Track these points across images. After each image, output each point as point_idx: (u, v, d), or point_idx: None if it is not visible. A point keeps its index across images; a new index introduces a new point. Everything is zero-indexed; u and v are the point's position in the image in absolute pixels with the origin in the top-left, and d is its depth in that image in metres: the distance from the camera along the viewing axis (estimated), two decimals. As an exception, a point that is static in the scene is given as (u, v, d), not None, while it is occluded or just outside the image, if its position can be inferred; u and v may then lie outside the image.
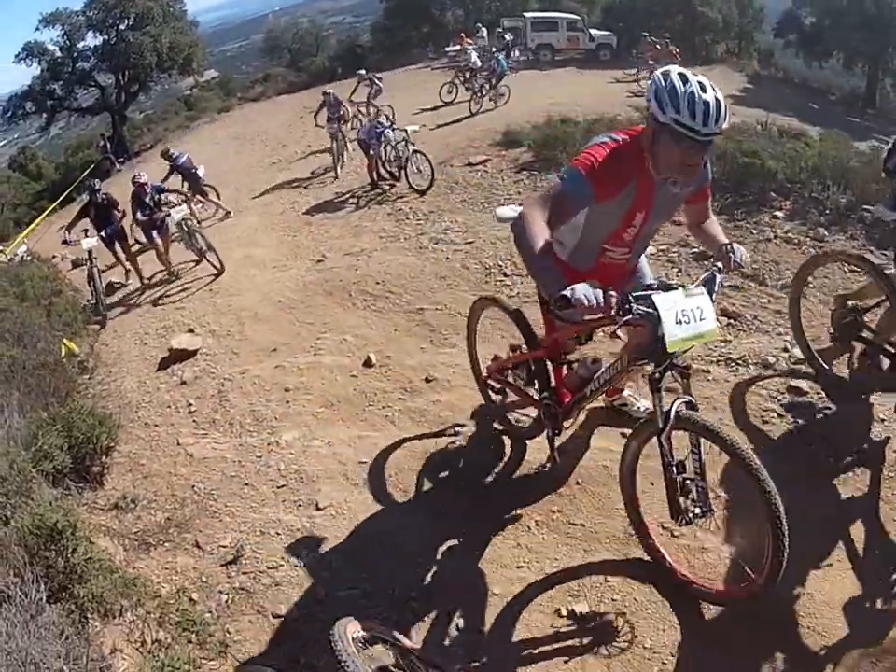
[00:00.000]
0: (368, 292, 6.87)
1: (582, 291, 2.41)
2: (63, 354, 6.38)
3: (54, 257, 12.28)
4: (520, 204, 3.14)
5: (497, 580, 3.26)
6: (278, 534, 3.79)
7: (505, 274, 6.66)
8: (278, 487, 4.20)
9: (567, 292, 2.41)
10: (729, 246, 2.90)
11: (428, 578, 3.33)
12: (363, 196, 11.07)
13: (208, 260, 8.95)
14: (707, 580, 3.01)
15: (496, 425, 4.25)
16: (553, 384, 3.53)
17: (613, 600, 3.07)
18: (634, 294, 2.62)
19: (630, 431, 3.87)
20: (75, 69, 29.47)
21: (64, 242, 9.39)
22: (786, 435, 3.90)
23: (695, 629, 2.90)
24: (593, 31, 26.65)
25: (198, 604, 3.38)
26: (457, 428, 4.36)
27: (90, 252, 8.92)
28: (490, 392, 4.24)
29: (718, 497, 2.79)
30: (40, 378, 5.30)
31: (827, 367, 4.28)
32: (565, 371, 3.54)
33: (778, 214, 6.81)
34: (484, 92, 16.39)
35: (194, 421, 5.21)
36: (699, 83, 2.51)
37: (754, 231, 6.55)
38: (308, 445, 4.56)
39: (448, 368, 5.12)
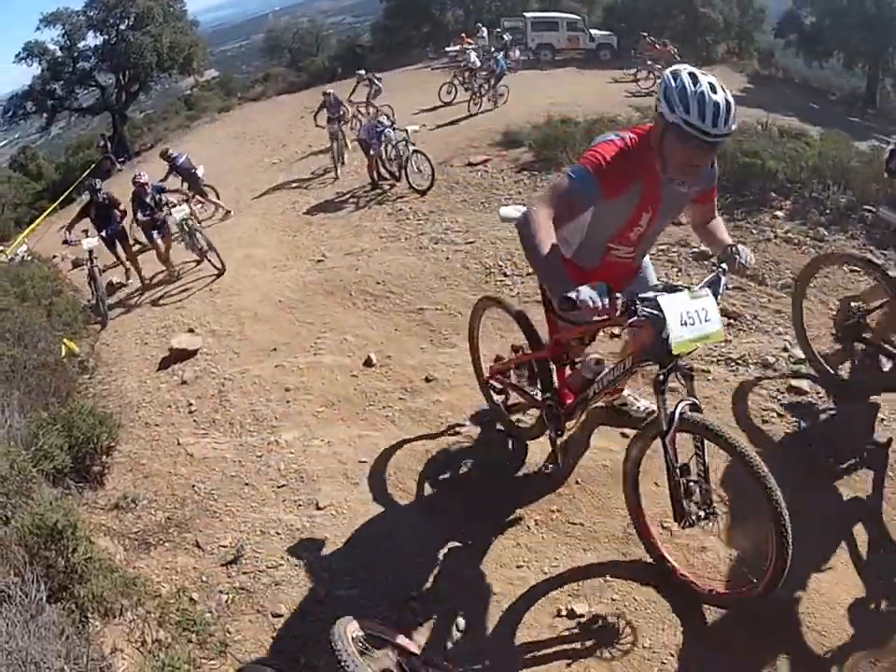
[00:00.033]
0: (368, 292, 6.87)
1: (588, 293, 2.40)
2: (63, 353, 6.38)
3: (54, 257, 12.29)
4: (522, 204, 3.14)
5: (496, 579, 3.26)
6: (278, 534, 3.79)
7: (505, 274, 6.66)
8: (278, 487, 4.20)
9: (573, 294, 2.40)
10: (734, 248, 2.89)
11: (428, 577, 3.33)
12: (363, 196, 11.07)
13: (209, 260, 8.94)
14: (709, 581, 3.00)
15: (498, 425, 4.24)
16: (555, 385, 3.51)
17: (613, 600, 3.07)
18: (639, 296, 2.61)
19: (630, 431, 3.92)
20: (75, 69, 29.45)
21: (65, 242, 9.39)
22: (786, 435, 3.90)
23: (696, 629, 2.90)
24: (593, 31, 26.59)
25: (198, 604, 3.38)
26: (457, 428, 4.36)
27: (90, 252, 8.92)
28: (492, 392, 4.22)
29: (721, 499, 2.77)
30: (41, 378, 5.31)
31: (829, 368, 4.26)
32: (568, 371, 3.51)
33: (779, 214, 6.81)
34: (483, 92, 16.35)
35: (194, 421, 5.21)
36: (710, 84, 2.50)
37: (754, 231, 6.55)
38: (308, 445, 4.56)
39: (448, 368, 5.13)
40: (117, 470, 4.66)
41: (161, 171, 11.95)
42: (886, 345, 3.94)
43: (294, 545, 3.69)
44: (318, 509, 3.93)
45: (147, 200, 9.32)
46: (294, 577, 3.48)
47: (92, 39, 29.41)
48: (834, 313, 4.44)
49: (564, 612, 3.04)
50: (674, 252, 6.37)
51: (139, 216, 9.33)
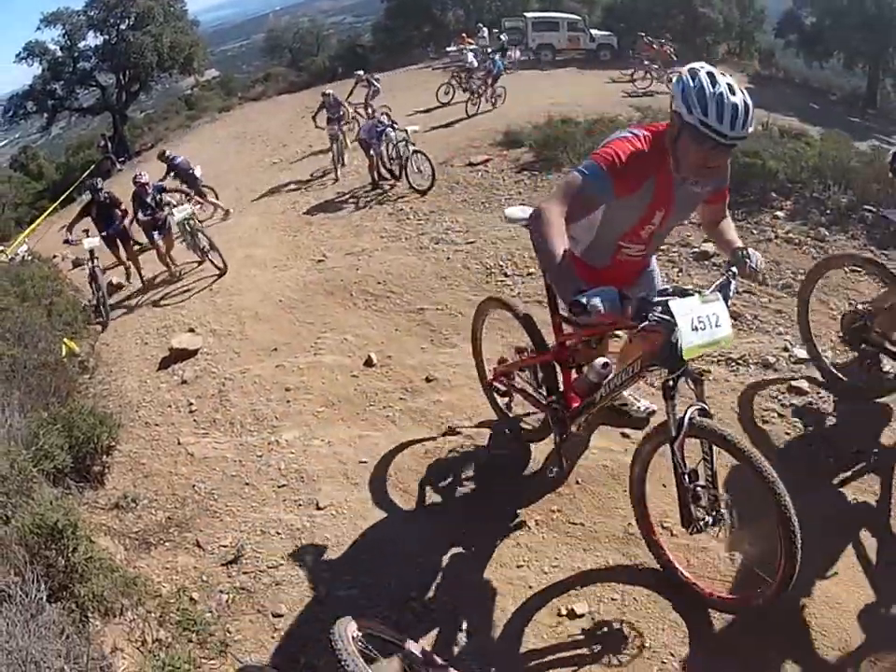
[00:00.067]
0: (369, 292, 6.88)
1: (599, 298, 2.36)
2: (63, 353, 6.38)
3: (55, 256, 12.28)
4: (523, 203, 3.12)
5: (497, 579, 3.26)
6: (279, 533, 3.80)
7: (506, 274, 6.66)
8: (279, 487, 4.20)
9: (584, 299, 2.36)
10: (745, 251, 2.86)
11: (429, 577, 3.33)
12: (364, 196, 11.07)
13: (210, 261, 8.92)
14: (717, 587, 2.97)
15: (500, 426, 4.22)
16: (560, 388, 3.46)
17: (613, 599, 3.07)
18: (650, 300, 2.59)
19: (631, 431, 3.91)
20: (76, 69, 29.46)
21: (66, 241, 9.39)
22: (786, 435, 3.90)
23: (697, 629, 2.89)
24: (593, 31, 26.60)
25: (198, 603, 3.38)
26: (458, 428, 4.36)
27: (91, 252, 8.90)
28: (495, 395, 4.18)
29: (727, 504, 2.74)
30: (41, 378, 5.30)
31: (835, 370, 4.24)
32: (573, 375, 3.46)
33: (779, 214, 6.81)
34: (481, 93, 16.26)
35: (195, 420, 5.22)
36: (728, 85, 2.47)
37: (755, 232, 6.55)
38: (308, 445, 4.56)
39: (449, 368, 5.13)
40: (117, 470, 4.66)
41: (160, 172, 11.95)
42: (889, 346, 3.92)
43: (294, 545, 3.69)
44: (319, 509, 3.93)
45: (148, 200, 9.31)
46: (294, 577, 3.48)
47: (93, 39, 29.48)
48: (840, 314, 4.40)
49: (564, 612, 3.04)
50: (674, 252, 6.37)
51: (140, 215, 9.32)
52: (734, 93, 2.46)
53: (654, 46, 21.56)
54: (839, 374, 4.21)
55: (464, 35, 23.92)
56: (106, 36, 29.31)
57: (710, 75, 2.50)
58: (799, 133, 9.87)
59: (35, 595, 2.65)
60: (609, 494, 3.63)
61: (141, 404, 5.65)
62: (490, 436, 4.23)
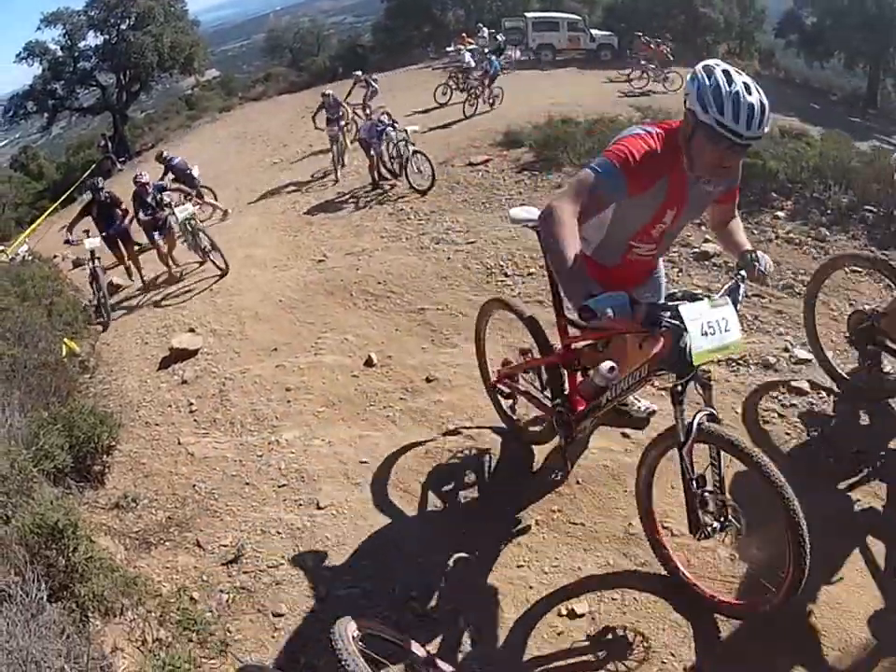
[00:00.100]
0: (369, 292, 6.88)
1: (609, 303, 2.32)
2: (64, 353, 6.38)
3: (55, 256, 12.30)
4: (523, 203, 3.10)
5: (497, 579, 3.26)
6: (279, 533, 3.80)
7: (506, 274, 6.66)
8: (279, 486, 4.20)
9: (594, 304, 2.32)
10: (754, 254, 2.83)
11: (429, 577, 3.33)
12: (364, 196, 11.07)
13: (212, 261, 8.91)
14: (725, 593, 2.95)
15: (504, 425, 4.20)
16: (566, 391, 3.42)
17: (613, 599, 3.07)
18: (659, 304, 2.56)
19: (631, 431, 3.91)
20: (76, 69, 29.50)
21: (67, 242, 9.39)
22: (786, 435, 3.90)
23: (699, 631, 2.89)
24: (594, 31, 26.61)
25: (199, 603, 3.38)
26: (459, 428, 4.35)
27: (92, 252, 8.88)
28: (499, 397, 4.14)
29: (735, 510, 2.71)
30: (41, 377, 5.31)
31: (841, 371, 4.22)
32: (579, 377, 3.41)
33: (780, 214, 6.81)
34: (479, 94, 16.16)
35: (195, 420, 5.22)
36: (744, 84, 2.43)
37: (755, 232, 6.54)
38: (309, 445, 4.56)
39: (449, 368, 5.13)
40: (117, 470, 4.66)
41: (158, 173, 11.96)
42: (892, 345, 3.90)
43: (295, 545, 3.69)
44: (319, 508, 3.93)
45: (149, 200, 9.31)
46: (295, 576, 3.48)
47: (93, 39, 29.55)
48: (847, 315, 4.37)
49: (564, 612, 3.04)
50: (674, 252, 6.37)
51: (141, 215, 9.31)
52: (750, 93, 2.42)
53: (651, 46, 21.56)
54: (844, 375, 4.20)
55: (464, 34, 23.93)
56: (107, 36, 29.36)
57: (726, 73, 2.46)
58: (799, 133, 9.86)
59: (36, 595, 2.66)
60: (609, 494, 3.62)
61: (141, 404, 5.65)
62: (492, 436, 4.22)
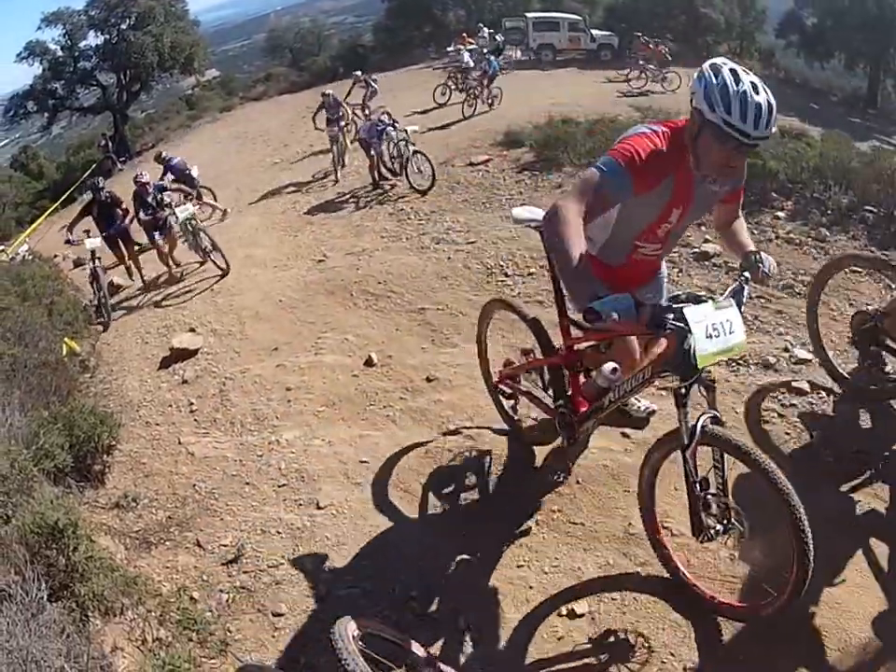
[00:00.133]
0: (369, 292, 6.88)
1: (615, 306, 2.31)
2: (64, 353, 6.39)
3: (56, 256, 12.30)
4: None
5: (497, 579, 3.26)
6: (279, 533, 3.80)
7: (506, 274, 6.66)
8: (279, 486, 4.20)
9: (598, 306, 2.30)
10: (758, 256, 2.81)
11: (429, 577, 3.32)
12: (364, 196, 11.07)
13: (213, 261, 8.90)
14: (727, 595, 2.94)
15: (504, 426, 4.19)
16: (568, 392, 3.40)
17: (613, 599, 3.07)
18: (664, 306, 2.55)
19: (631, 431, 3.90)
20: (76, 68, 29.50)
21: (68, 242, 9.39)
22: (786, 435, 3.90)
23: (700, 633, 2.89)
24: (594, 31, 26.58)
25: (199, 602, 3.38)
26: (458, 429, 4.35)
27: (93, 252, 8.88)
28: (501, 398, 4.10)
29: (738, 513, 2.70)
30: (41, 377, 5.31)
31: (844, 372, 4.21)
32: (582, 379, 3.38)
33: (780, 214, 6.80)
34: (478, 94, 16.09)
35: (195, 420, 5.22)
36: (752, 83, 2.41)
37: (755, 232, 6.54)
38: (309, 444, 4.56)
39: (449, 367, 5.13)
40: (117, 469, 4.66)
41: (158, 173, 11.96)
42: (894, 345, 3.89)
43: (295, 544, 3.69)
44: (319, 508, 3.93)
45: (149, 199, 9.30)
46: (295, 576, 3.48)
47: (94, 39, 29.56)
48: (851, 316, 4.36)
49: (564, 612, 3.04)
50: (674, 252, 6.35)
51: (141, 215, 9.30)
52: (757, 92, 2.40)
53: (650, 46, 21.55)
54: (845, 375, 4.19)
55: (464, 34, 23.92)
56: (107, 36, 29.37)
57: (733, 72, 2.44)
58: (800, 133, 9.85)
59: (36, 595, 2.66)
60: (609, 494, 3.62)
61: (142, 404, 5.65)
62: (492, 436, 4.22)
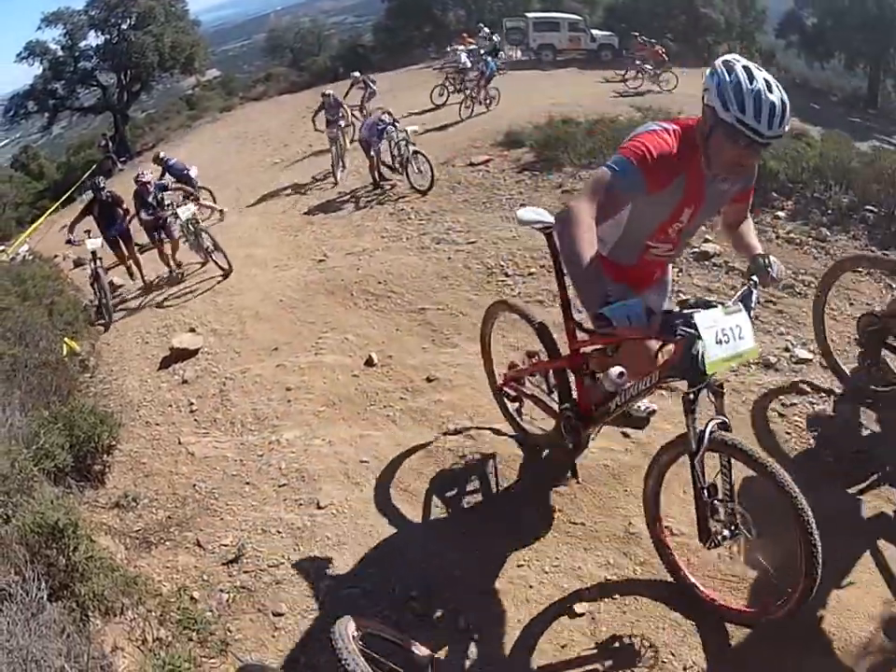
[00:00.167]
0: (369, 292, 6.88)
1: (626, 312, 2.28)
2: (64, 353, 6.39)
3: (56, 256, 12.30)
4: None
5: (497, 578, 3.26)
6: (279, 532, 3.80)
7: (507, 274, 6.66)
8: (279, 486, 4.20)
9: (608, 311, 2.27)
10: (766, 259, 2.78)
11: (429, 577, 3.32)
12: (365, 196, 11.07)
13: (214, 261, 8.88)
14: (735, 601, 2.92)
15: (505, 426, 4.18)
16: (574, 395, 3.36)
17: (613, 599, 3.06)
18: (674, 312, 2.51)
19: (631, 431, 3.90)
20: (77, 68, 29.53)
21: (69, 242, 9.38)
22: (786, 435, 3.90)
23: (698, 629, 2.89)
24: (594, 31, 26.60)
25: (199, 602, 3.38)
26: (459, 429, 4.35)
27: (94, 253, 8.85)
28: (506, 400, 4.06)
29: (745, 518, 2.68)
30: (42, 377, 5.31)
31: (850, 373, 4.20)
32: (588, 382, 3.31)
33: (780, 214, 6.81)
34: (475, 96, 15.98)
35: (195, 420, 5.22)
36: (765, 81, 2.38)
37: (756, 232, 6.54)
38: (309, 444, 4.56)
39: (450, 367, 5.13)
40: (118, 469, 4.66)
41: (156, 175, 11.94)
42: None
43: (295, 544, 3.69)
44: (319, 508, 3.93)
45: (150, 199, 9.29)
46: (295, 576, 3.48)
47: (94, 39, 29.61)
48: (857, 317, 4.31)
49: (564, 612, 3.04)
50: (675, 252, 6.37)
51: (143, 215, 9.29)
52: (771, 91, 2.37)
53: (647, 46, 21.54)
54: (851, 376, 4.18)
55: (465, 35, 23.93)
56: (108, 36, 29.41)
57: (747, 69, 2.40)
58: (800, 133, 9.84)
59: (36, 594, 2.66)
60: (609, 493, 3.62)
61: (142, 403, 5.65)
62: (493, 437, 4.22)
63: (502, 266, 6.82)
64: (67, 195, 20.50)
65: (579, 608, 3.04)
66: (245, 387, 5.53)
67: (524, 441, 4.04)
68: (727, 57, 2.50)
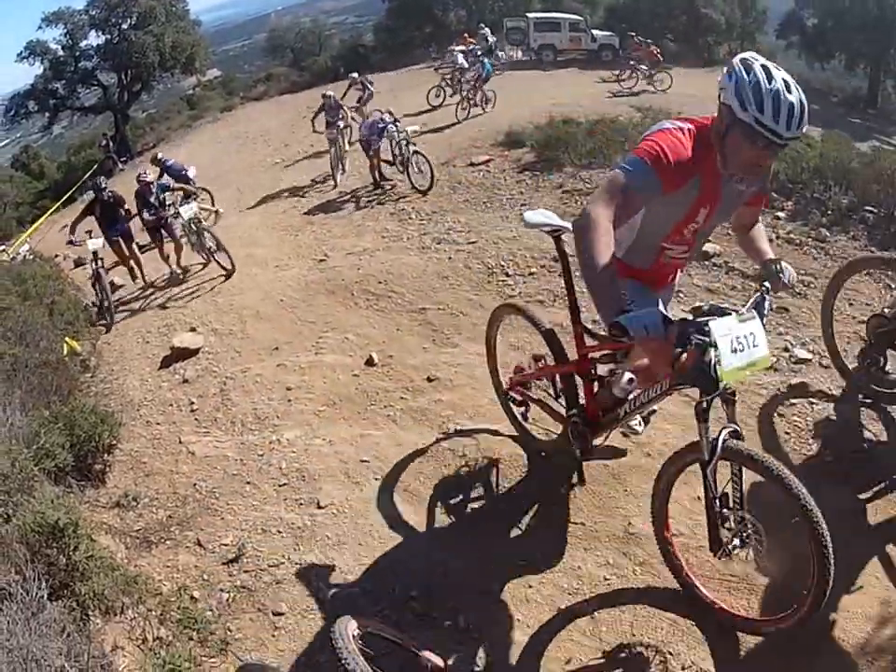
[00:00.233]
0: (370, 291, 6.88)
1: (643, 322, 2.24)
2: (65, 352, 6.39)
3: (57, 256, 12.30)
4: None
5: (497, 578, 3.26)
6: (279, 532, 3.80)
7: (507, 274, 6.66)
8: (280, 486, 4.21)
9: (624, 321, 2.23)
10: (778, 265, 2.75)
11: (429, 577, 3.32)
12: (365, 196, 11.07)
13: (217, 261, 8.87)
14: (746, 610, 2.90)
15: (514, 431, 4.14)
16: (582, 401, 3.32)
17: (613, 598, 3.06)
18: (688, 321, 2.46)
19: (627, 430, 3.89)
20: (77, 68, 29.58)
21: (70, 242, 9.36)
22: (786, 434, 3.90)
23: (697, 629, 2.89)
24: (595, 31, 26.61)
25: (199, 602, 3.38)
26: (459, 429, 4.36)
27: (95, 253, 8.82)
28: (511, 404, 4.02)
29: (755, 526, 2.66)
30: (42, 376, 5.32)
31: (856, 374, 4.19)
32: (595, 387, 3.28)
33: (780, 214, 6.81)
34: (471, 97, 15.87)
35: (196, 419, 5.22)
36: (784, 81, 2.32)
37: (756, 232, 6.54)
38: (310, 444, 4.56)
39: (450, 367, 5.13)
40: (118, 469, 4.67)
41: (155, 176, 11.92)
42: None
43: (295, 544, 3.69)
44: (320, 507, 3.94)
45: (152, 199, 9.28)
46: (295, 575, 3.48)
47: (95, 38, 29.68)
48: (867, 318, 4.30)
49: (564, 611, 3.04)
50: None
51: (145, 215, 9.27)
52: (790, 91, 2.31)
53: (642, 46, 21.52)
54: (865, 379, 4.16)
55: (466, 35, 23.92)
56: (108, 36, 29.46)
57: (765, 68, 2.34)
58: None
59: (36, 594, 2.66)
60: (609, 493, 3.62)
61: (142, 403, 5.65)
62: (493, 437, 4.22)
63: (503, 266, 6.82)
64: (68, 195, 20.50)
65: (578, 607, 3.04)
66: (245, 387, 5.53)
67: (529, 445, 4.00)
68: (745, 55, 2.44)
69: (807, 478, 3.39)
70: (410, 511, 3.79)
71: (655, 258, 2.93)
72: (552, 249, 6.17)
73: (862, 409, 4.01)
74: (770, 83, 2.31)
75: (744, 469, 2.61)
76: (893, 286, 5.25)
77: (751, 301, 2.66)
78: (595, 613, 3.01)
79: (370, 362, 5.45)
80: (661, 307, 3.06)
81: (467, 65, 17.15)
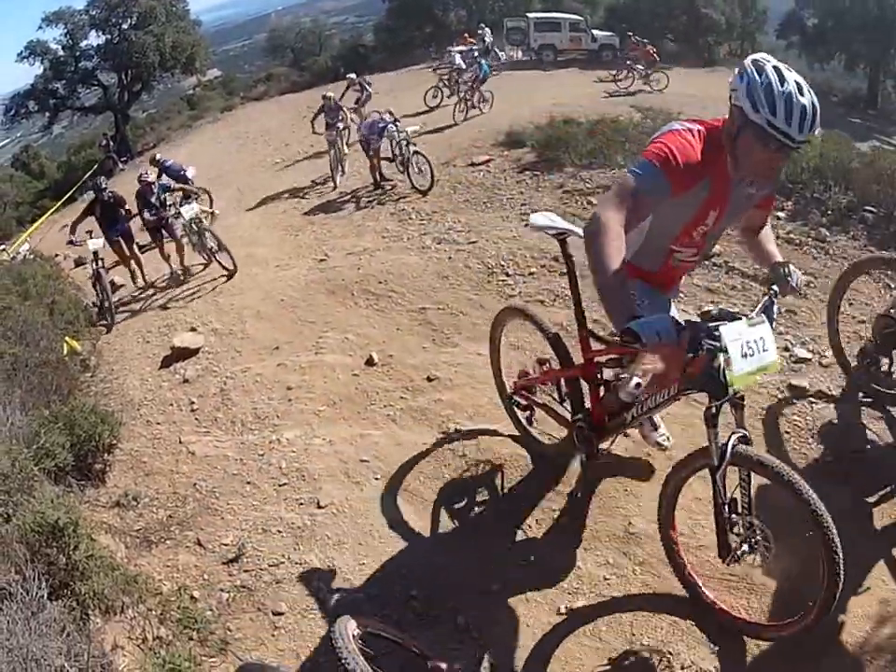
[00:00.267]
0: (370, 291, 6.87)
1: (654, 328, 2.22)
2: (65, 352, 6.39)
3: (57, 255, 12.29)
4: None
5: (497, 578, 3.26)
6: (279, 532, 3.80)
7: (507, 274, 6.66)
8: (280, 485, 4.21)
9: (636, 327, 2.21)
10: (786, 268, 2.73)
11: (429, 576, 3.33)
12: (365, 196, 11.06)
13: (218, 261, 8.84)
14: (747, 611, 2.88)
15: (517, 432, 4.11)
16: (587, 405, 3.30)
17: (612, 598, 3.07)
18: (699, 325, 2.44)
19: (632, 430, 3.88)
20: (77, 68, 29.57)
21: (70, 242, 9.35)
22: (786, 434, 3.90)
23: (697, 629, 2.89)
24: (595, 31, 26.60)
25: (199, 601, 3.39)
26: (459, 429, 4.35)
27: (95, 253, 8.81)
28: (515, 408, 3.97)
29: (763, 531, 2.64)
30: (42, 376, 5.32)
31: (856, 373, 4.18)
32: (601, 391, 3.23)
33: (780, 214, 6.81)
34: (469, 98, 15.81)
35: (196, 419, 5.22)
36: (796, 83, 2.31)
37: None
38: (310, 443, 4.56)
39: (450, 367, 5.13)
40: (118, 468, 4.67)
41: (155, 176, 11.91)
42: None
43: (295, 543, 3.69)
44: (319, 507, 3.94)
45: (153, 199, 9.27)
46: (295, 575, 3.48)
47: (95, 38, 29.68)
48: (873, 318, 4.25)
49: (563, 611, 3.05)
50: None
51: (146, 215, 9.26)
52: (802, 93, 2.31)
53: (639, 46, 21.50)
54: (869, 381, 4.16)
55: (466, 35, 23.91)
56: (108, 36, 29.45)
57: (777, 70, 2.33)
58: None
59: (36, 593, 2.66)
60: (609, 493, 3.62)
61: (142, 403, 5.65)
62: (493, 437, 4.22)
63: (503, 266, 6.82)
64: (68, 195, 20.49)
65: (577, 607, 3.03)
66: (245, 386, 5.53)
67: (533, 449, 3.97)
68: (757, 56, 2.42)
69: (808, 478, 3.40)
70: (410, 511, 3.79)
71: (664, 260, 2.92)
72: (552, 249, 6.20)
73: (863, 409, 4.01)
74: (782, 85, 2.30)
75: (752, 474, 2.60)
76: (893, 286, 5.25)
77: (760, 305, 2.65)
78: (595, 613, 3.01)
79: (370, 362, 5.45)
80: (673, 311, 3.08)
81: (464, 66, 17.10)
